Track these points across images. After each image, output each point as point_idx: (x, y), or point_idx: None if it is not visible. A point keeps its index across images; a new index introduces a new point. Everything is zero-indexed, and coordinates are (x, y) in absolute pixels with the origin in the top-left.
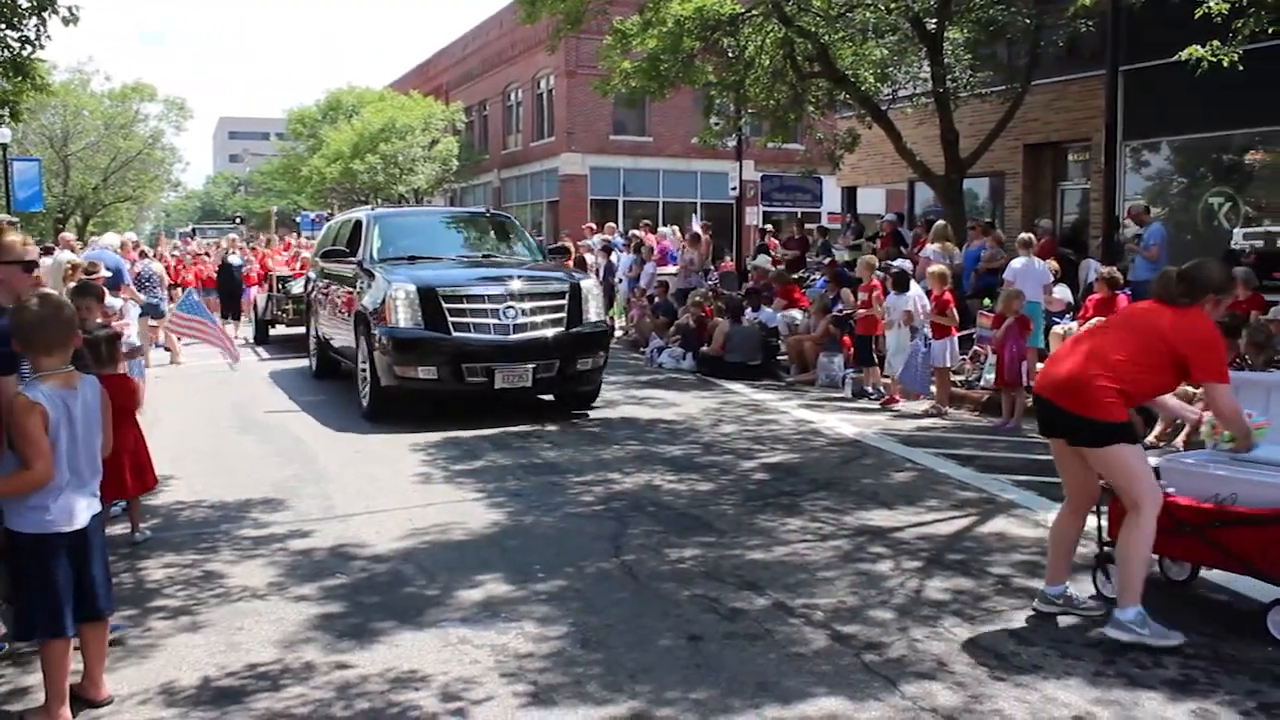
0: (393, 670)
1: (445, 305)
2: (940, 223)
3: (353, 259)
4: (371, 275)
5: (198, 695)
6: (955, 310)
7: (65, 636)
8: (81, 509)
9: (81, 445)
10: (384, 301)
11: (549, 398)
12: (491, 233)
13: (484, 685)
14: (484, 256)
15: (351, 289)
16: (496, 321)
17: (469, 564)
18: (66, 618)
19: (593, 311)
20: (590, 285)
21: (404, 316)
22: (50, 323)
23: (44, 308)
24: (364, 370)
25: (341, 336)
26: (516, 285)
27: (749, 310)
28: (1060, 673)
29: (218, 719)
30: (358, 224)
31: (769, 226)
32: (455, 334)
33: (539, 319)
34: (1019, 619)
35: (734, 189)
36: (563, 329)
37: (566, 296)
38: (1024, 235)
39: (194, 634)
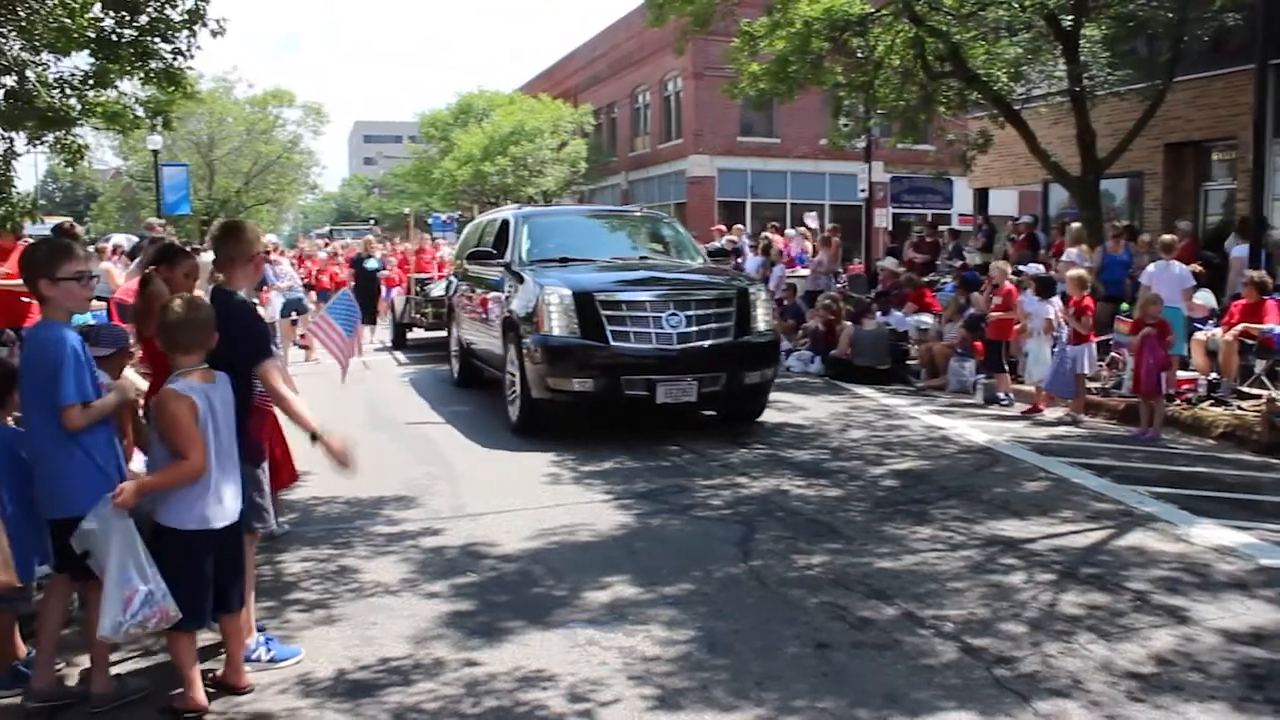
0: (521, 669)
1: (603, 312)
2: (1076, 225)
3: (500, 261)
4: (521, 278)
5: (333, 687)
6: (1091, 316)
7: (199, 629)
8: (229, 505)
9: (225, 440)
10: (536, 307)
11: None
12: (648, 233)
13: (611, 687)
14: (641, 259)
15: (499, 293)
16: (659, 330)
17: (597, 565)
18: (204, 611)
19: (761, 320)
20: (759, 291)
21: (558, 323)
22: (188, 324)
23: (184, 310)
24: (512, 380)
25: (486, 343)
26: (680, 291)
27: (878, 313)
28: (1204, 696)
29: (352, 710)
30: (504, 224)
31: (889, 228)
32: (614, 343)
33: (705, 327)
34: (1159, 637)
35: (863, 191)
36: (730, 339)
37: (734, 303)
38: (1165, 237)
39: (329, 627)
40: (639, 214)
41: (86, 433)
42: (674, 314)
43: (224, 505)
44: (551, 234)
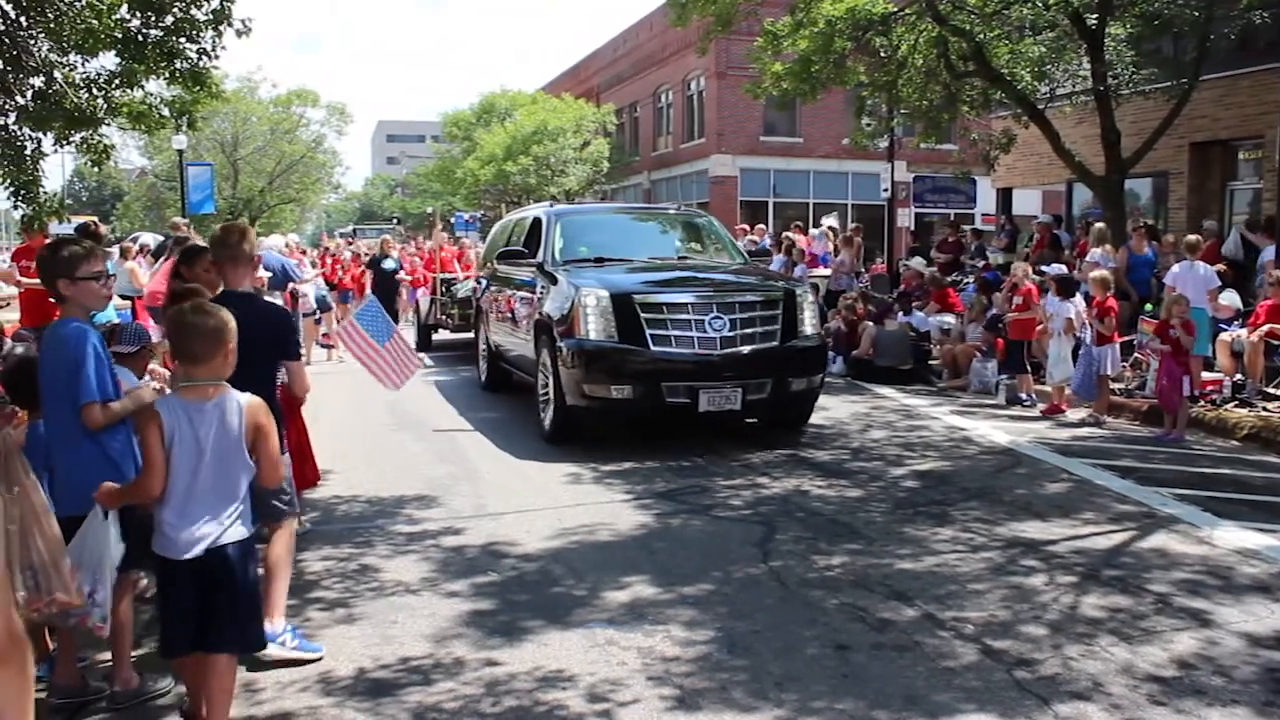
0: (540, 669)
1: (642, 315)
2: (1100, 225)
3: (532, 261)
4: (554, 279)
5: (353, 686)
6: (1115, 317)
7: (179, 657)
8: (198, 537)
9: (209, 464)
10: (571, 309)
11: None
12: (686, 232)
13: (630, 687)
14: (679, 259)
15: (530, 294)
16: (701, 334)
17: (617, 565)
18: (178, 643)
19: (808, 324)
20: (806, 293)
21: (595, 327)
22: (190, 331)
23: (190, 316)
24: (545, 386)
25: (516, 346)
26: (723, 292)
27: (900, 314)
28: (1226, 701)
29: (372, 709)
30: (536, 222)
31: (911, 227)
32: (654, 348)
33: (749, 331)
34: (1181, 640)
35: (886, 190)
36: (776, 343)
37: (780, 305)
38: (1189, 238)
39: (350, 626)
40: (675, 212)
41: (103, 429)
42: (717, 317)
43: (194, 537)
44: (586, 233)
